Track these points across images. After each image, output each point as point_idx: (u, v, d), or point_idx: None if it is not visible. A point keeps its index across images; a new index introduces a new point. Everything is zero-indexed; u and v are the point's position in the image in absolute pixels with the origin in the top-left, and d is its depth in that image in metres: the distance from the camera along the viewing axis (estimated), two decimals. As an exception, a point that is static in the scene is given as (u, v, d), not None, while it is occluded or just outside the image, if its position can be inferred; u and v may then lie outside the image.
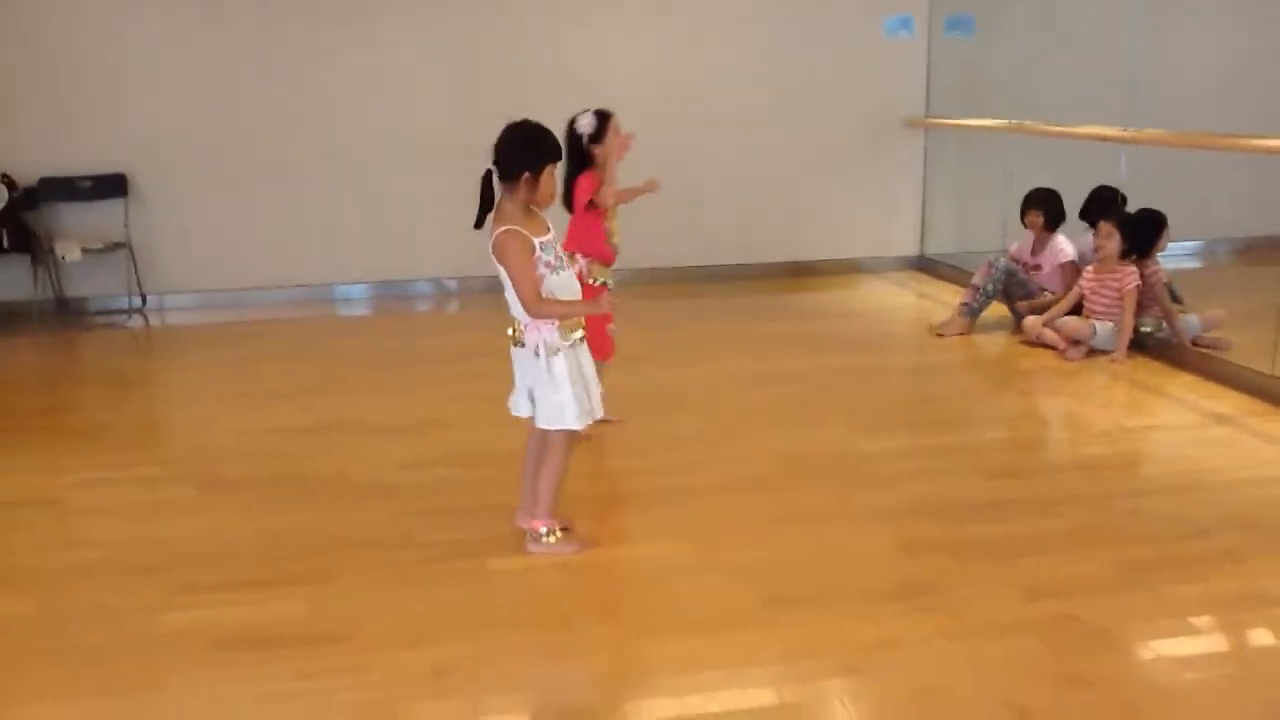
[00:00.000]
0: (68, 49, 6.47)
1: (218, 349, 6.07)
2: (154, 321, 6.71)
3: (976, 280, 5.96)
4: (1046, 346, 5.53)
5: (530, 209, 3.13)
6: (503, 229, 3.06)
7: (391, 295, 7.05)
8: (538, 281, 3.07)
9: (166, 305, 6.86)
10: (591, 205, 3.95)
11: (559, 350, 3.10)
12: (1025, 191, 6.17)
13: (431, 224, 6.80)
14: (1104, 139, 5.84)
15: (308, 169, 6.89)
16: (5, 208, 6.31)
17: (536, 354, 3.10)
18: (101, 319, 6.64)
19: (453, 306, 7.13)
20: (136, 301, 6.74)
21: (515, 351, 3.17)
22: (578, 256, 3.93)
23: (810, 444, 4.27)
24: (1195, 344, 5.39)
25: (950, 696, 2.56)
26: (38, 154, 6.46)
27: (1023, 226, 6.12)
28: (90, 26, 6.50)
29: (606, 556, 3.28)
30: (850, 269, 7.67)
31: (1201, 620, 2.91)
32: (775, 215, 7.56)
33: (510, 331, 3.17)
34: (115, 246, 6.60)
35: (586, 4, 7.10)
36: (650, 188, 4.32)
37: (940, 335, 5.87)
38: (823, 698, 2.58)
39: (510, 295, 3.15)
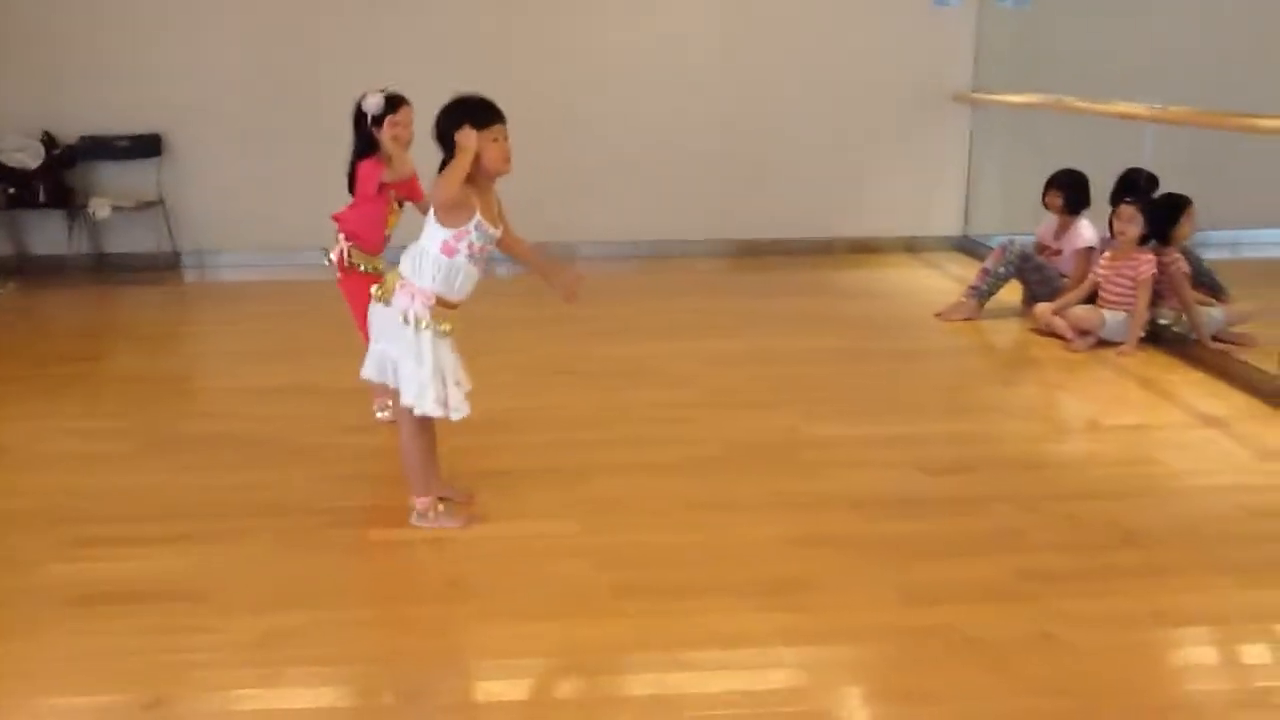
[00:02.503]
0: (110, 10, 6.67)
1: (233, 307, 6.23)
2: (187, 278, 6.91)
3: (988, 264, 5.68)
4: (1056, 336, 5.23)
5: (485, 190, 3.04)
6: None
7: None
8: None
9: (203, 263, 7.04)
10: (382, 190, 3.81)
11: (428, 328, 3.02)
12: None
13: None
14: (1132, 117, 5.46)
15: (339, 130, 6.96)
16: (44, 165, 6.56)
17: (405, 320, 3.03)
18: (134, 275, 6.84)
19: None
20: (169, 259, 6.94)
21: (376, 310, 3.11)
22: (340, 237, 3.86)
23: (760, 427, 4.12)
24: (1217, 339, 5.03)
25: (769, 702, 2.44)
26: (78, 113, 6.69)
27: (1044, 208, 5.79)
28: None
29: (488, 532, 3.22)
30: (887, 247, 7.41)
31: (1078, 635, 2.69)
32: (809, 190, 7.33)
33: (377, 289, 3.12)
34: (147, 205, 6.80)
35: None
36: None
37: (945, 319, 5.61)
38: (616, 693, 2.50)
39: (411, 249, 3.08)
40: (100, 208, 6.58)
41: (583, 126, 7.07)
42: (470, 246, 3.04)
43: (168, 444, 3.97)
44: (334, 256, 3.93)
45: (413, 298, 3.03)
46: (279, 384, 4.64)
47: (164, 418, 4.27)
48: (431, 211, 3.07)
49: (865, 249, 7.37)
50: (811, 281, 6.70)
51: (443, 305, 3.05)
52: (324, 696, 2.49)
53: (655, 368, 4.87)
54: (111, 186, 6.79)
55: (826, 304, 6.15)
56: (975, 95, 7.20)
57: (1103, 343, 5.11)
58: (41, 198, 6.55)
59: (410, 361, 3.03)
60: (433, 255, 3.04)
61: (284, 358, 5.05)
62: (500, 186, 3.14)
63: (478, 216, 3.02)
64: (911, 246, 7.46)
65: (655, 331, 5.46)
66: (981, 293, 5.62)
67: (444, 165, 3.04)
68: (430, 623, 2.78)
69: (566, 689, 2.56)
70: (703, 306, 6.07)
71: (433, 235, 3.04)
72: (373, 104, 3.77)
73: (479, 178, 3.01)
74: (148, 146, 6.78)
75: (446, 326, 3.06)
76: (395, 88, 3.86)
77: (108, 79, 6.71)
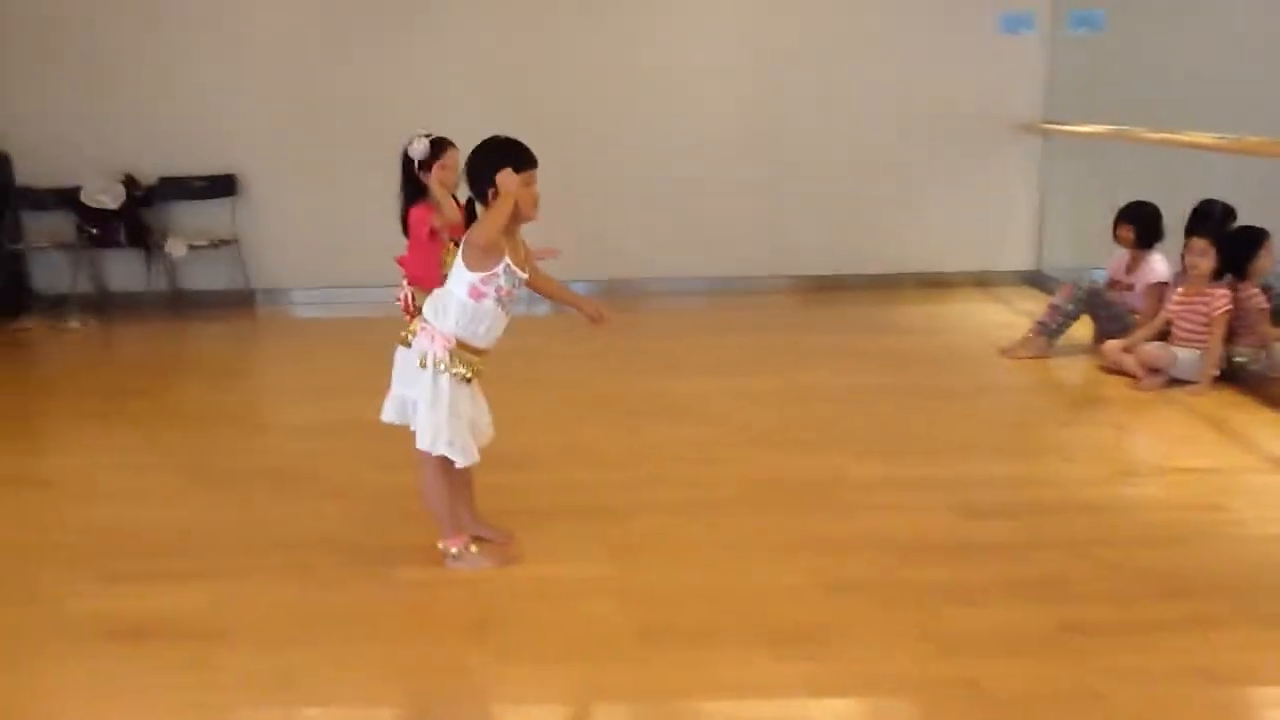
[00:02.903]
0: (188, 58, 6.89)
1: (300, 343, 6.35)
2: (260, 315, 7.06)
3: (1056, 300, 5.50)
4: (1125, 374, 5.03)
5: (513, 234, 3.05)
6: None
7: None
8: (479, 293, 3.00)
9: (276, 300, 7.19)
10: (434, 234, 3.77)
11: (445, 371, 3.01)
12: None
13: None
14: (1204, 147, 5.25)
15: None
16: (124, 205, 6.79)
17: (423, 364, 3.04)
18: (208, 312, 7.02)
19: (541, 309, 7.16)
20: (243, 296, 7.11)
21: (399, 353, 3.12)
22: (404, 281, 3.83)
23: (799, 467, 4.03)
24: (1297, 378, 4.78)
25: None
26: (157, 155, 6.91)
27: (1114, 242, 5.59)
28: (210, 33, 6.88)
29: (516, 573, 3.19)
30: (956, 282, 7.25)
31: (1119, 697, 2.54)
32: (876, 223, 7.23)
33: (403, 332, 3.12)
34: (223, 243, 6.99)
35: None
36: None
37: (1012, 357, 5.44)
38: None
39: (436, 294, 3.10)
40: (177, 246, 6.78)
41: (646, 163, 7.07)
42: (499, 290, 3.03)
43: (212, 479, 4.03)
44: (400, 300, 3.90)
45: (432, 339, 3.02)
46: (331, 420, 4.68)
47: (213, 452, 4.34)
48: (459, 256, 3.07)
49: (934, 284, 7.23)
50: (876, 317, 6.58)
51: (465, 350, 3.04)
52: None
53: (700, 406, 4.80)
54: (188, 226, 6.99)
55: (889, 340, 6.02)
56: (1046, 125, 7.01)
57: (1175, 381, 4.89)
58: (122, 237, 6.78)
59: (426, 404, 3.02)
60: (459, 299, 3.03)
61: (340, 394, 5.09)
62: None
63: (506, 260, 3.02)
64: (982, 281, 7.29)
65: (704, 368, 5.41)
66: (1050, 330, 5.44)
67: (471, 204, 3.05)
68: (452, 663, 2.75)
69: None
70: (756, 343, 5.99)
71: (460, 279, 3.04)
72: (418, 150, 3.78)
73: (508, 222, 3.00)
74: (223, 186, 6.98)
75: (467, 371, 3.04)
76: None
77: (186, 122, 6.92)
